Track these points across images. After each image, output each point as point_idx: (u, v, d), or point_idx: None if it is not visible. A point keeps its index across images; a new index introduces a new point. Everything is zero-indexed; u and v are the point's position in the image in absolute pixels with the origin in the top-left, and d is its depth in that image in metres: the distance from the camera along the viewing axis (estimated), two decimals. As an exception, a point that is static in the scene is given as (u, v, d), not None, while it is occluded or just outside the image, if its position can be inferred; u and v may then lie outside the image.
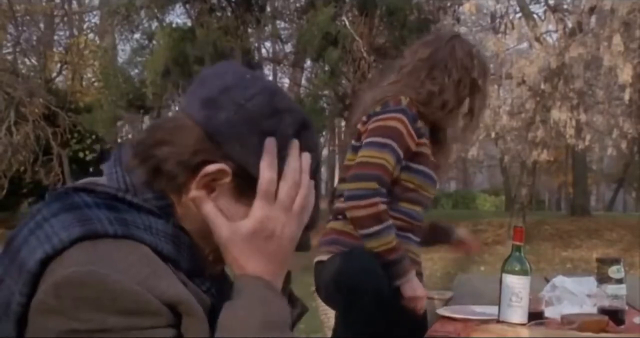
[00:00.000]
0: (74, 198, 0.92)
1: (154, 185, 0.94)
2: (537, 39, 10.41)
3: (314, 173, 0.98)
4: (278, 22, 15.86)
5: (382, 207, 2.19)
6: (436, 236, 2.58)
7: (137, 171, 0.94)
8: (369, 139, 2.26)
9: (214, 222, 0.93)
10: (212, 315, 0.91)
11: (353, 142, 2.38)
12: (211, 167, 0.92)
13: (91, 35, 19.95)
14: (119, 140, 15.63)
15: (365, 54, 13.80)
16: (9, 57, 16.31)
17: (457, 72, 2.35)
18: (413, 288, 2.24)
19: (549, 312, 2.08)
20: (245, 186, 0.93)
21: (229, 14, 14.28)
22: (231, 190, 0.94)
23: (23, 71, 15.94)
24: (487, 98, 2.51)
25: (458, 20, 15.68)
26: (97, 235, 0.86)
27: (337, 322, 2.32)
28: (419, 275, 2.48)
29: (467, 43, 2.45)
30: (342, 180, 2.38)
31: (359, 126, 2.35)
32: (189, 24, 14.69)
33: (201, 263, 0.97)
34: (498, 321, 1.95)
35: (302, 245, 0.98)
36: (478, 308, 2.24)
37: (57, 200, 0.93)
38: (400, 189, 2.31)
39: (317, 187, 0.99)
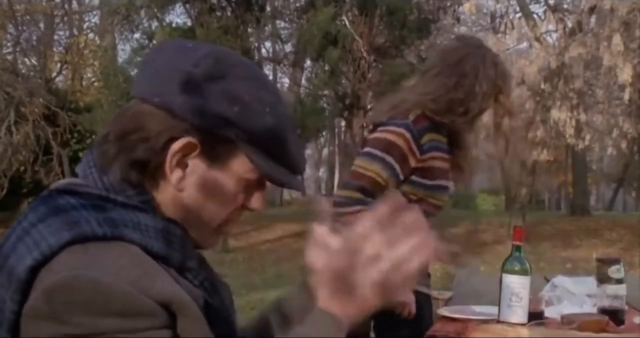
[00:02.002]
0: (59, 201, 0.90)
1: (130, 178, 0.93)
2: (537, 39, 10.40)
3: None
4: (278, 21, 15.87)
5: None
6: None
7: (111, 168, 0.93)
8: (366, 149, 2.27)
9: (313, 249, 0.92)
10: (207, 309, 0.91)
11: (359, 149, 2.39)
12: (176, 145, 0.91)
13: (91, 35, 19.94)
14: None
15: (365, 54, 13.80)
16: (9, 57, 16.29)
17: (487, 83, 2.28)
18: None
19: (549, 312, 2.08)
20: (214, 151, 0.93)
21: (228, 13, 14.27)
22: (202, 159, 0.93)
23: (23, 71, 15.93)
24: (512, 108, 2.40)
25: (458, 19, 15.70)
26: (86, 238, 0.85)
27: None
28: (425, 276, 2.48)
29: (493, 52, 2.40)
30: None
31: (366, 133, 2.38)
32: (189, 23, 14.69)
33: (193, 253, 0.96)
34: (498, 321, 1.95)
35: None
36: (478, 308, 2.24)
37: (42, 204, 0.91)
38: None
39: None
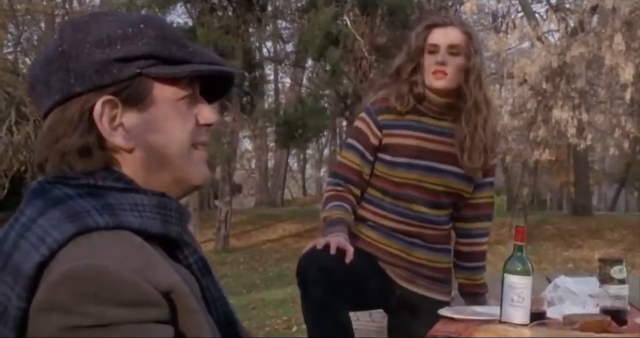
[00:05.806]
0: (55, 192, 0.90)
1: (89, 165, 0.92)
2: (539, 38, 10.39)
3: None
4: (279, 21, 15.88)
5: (327, 194, 2.41)
6: None
7: (74, 168, 0.92)
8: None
9: None
10: (202, 293, 0.92)
11: None
12: (96, 110, 0.91)
13: (92, 35, 19.94)
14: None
15: (366, 54, 13.79)
16: (10, 57, 16.29)
17: (412, 41, 2.40)
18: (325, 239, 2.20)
19: (551, 312, 2.06)
20: (132, 94, 0.93)
21: (230, 13, 14.28)
22: (130, 108, 0.93)
23: (24, 71, 15.89)
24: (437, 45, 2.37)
25: (459, 19, 15.67)
26: (90, 229, 0.85)
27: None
28: (444, 283, 2.45)
29: (432, 17, 2.52)
30: None
31: None
32: (190, 23, 14.71)
33: (188, 227, 0.97)
34: (500, 321, 1.94)
35: None
36: (480, 309, 2.23)
37: (37, 196, 0.91)
38: (373, 178, 2.41)
39: None
